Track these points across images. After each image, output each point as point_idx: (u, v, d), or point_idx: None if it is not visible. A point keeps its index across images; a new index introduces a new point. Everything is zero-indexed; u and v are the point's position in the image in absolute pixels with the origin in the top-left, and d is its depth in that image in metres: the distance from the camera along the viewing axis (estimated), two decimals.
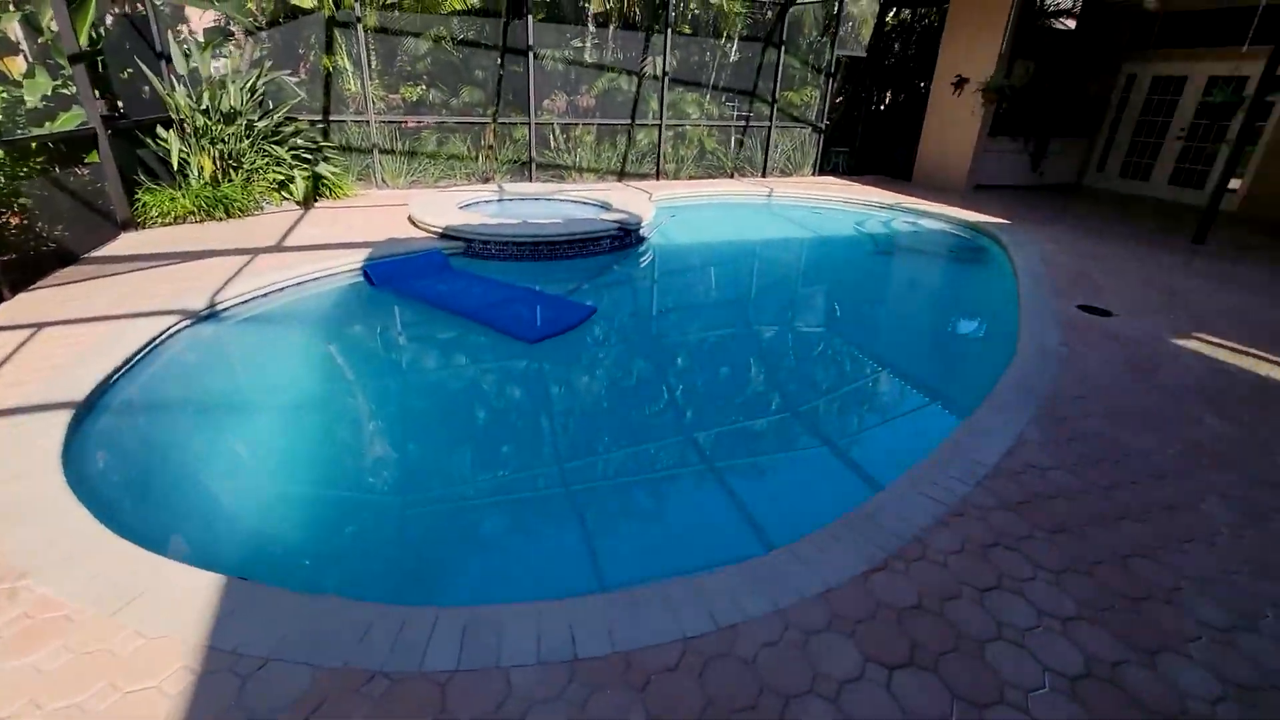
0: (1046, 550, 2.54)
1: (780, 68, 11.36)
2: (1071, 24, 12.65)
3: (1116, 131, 12.09)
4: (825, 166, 13.12)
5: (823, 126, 12.25)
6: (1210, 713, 1.92)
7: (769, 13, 11.11)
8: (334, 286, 5.71)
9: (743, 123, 11.67)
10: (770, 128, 11.80)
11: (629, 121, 10.72)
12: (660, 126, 10.88)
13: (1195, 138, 10.84)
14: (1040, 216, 9.36)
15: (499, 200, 8.75)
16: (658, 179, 11.20)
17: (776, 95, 11.57)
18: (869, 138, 13.37)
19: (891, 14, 12.64)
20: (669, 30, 10.23)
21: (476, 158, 10.07)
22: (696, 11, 10.71)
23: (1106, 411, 3.62)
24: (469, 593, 2.66)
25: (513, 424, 4.05)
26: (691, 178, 11.68)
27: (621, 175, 10.99)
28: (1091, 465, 3.11)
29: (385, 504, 3.17)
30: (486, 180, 10.13)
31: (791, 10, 11.14)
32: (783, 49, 11.23)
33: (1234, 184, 10.31)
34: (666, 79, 10.57)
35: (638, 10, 10.38)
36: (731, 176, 11.93)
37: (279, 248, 6.23)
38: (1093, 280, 6.18)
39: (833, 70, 11.81)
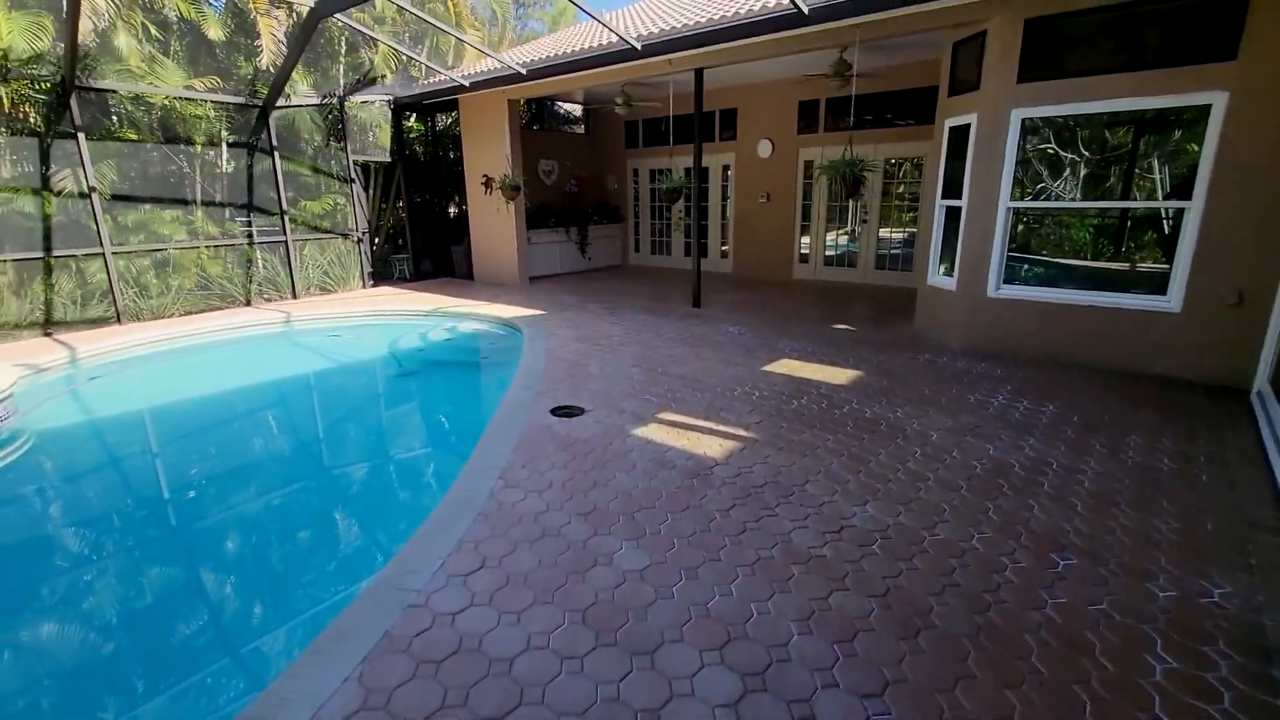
0: None
1: (279, 175, 9.79)
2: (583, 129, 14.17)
3: (639, 216, 13.68)
4: (384, 276, 11.92)
5: (359, 235, 11.02)
6: None
7: (251, 117, 9.51)
8: None
9: (243, 240, 9.65)
10: (287, 243, 10.04)
11: (41, 254, 7.73)
12: (105, 255, 8.17)
13: (691, 217, 12.75)
14: (575, 301, 9.52)
15: None
16: (120, 323, 8.36)
17: (285, 206, 9.93)
18: (429, 241, 12.72)
19: (414, 119, 12.33)
20: (81, 135, 7.75)
21: None
22: (135, 113, 8.48)
23: (508, 581, 2.67)
24: None
25: None
26: (189, 313, 9.12)
27: (49, 325, 7.85)
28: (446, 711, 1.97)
29: None
30: None
31: (279, 115, 9.76)
32: (275, 155, 9.71)
33: (729, 250, 12.32)
34: (96, 195, 7.99)
35: (30, 111, 7.68)
36: (249, 304, 9.73)
37: None
38: (585, 370, 5.87)
39: (350, 176, 10.75)
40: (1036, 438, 4.25)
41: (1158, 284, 5.61)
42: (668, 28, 7.56)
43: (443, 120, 12.65)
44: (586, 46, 8.51)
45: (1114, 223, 6.34)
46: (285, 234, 10.00)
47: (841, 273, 10.88)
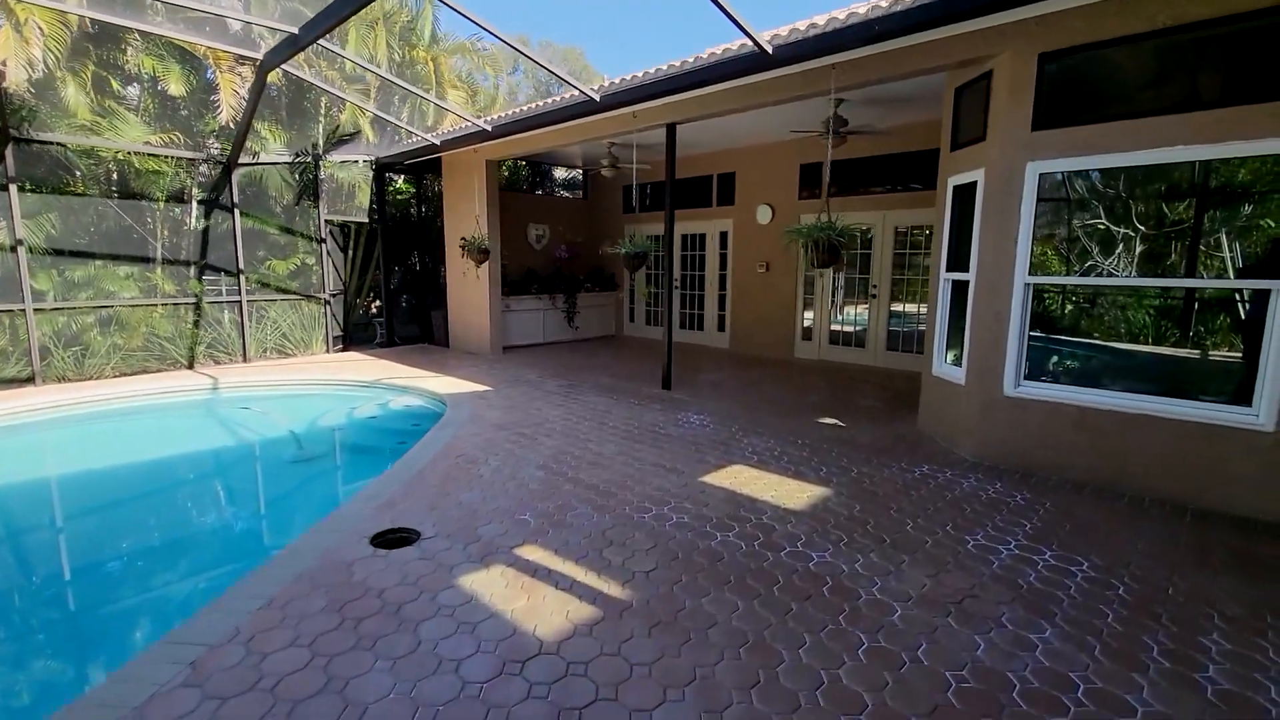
0: None
1: (238, 233, 9.27)
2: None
3: (634, 284, 12.73)
4: (361, 341, 11.22)
5: (326, 298, 10.37)
6: None
7: (215, 173, 9.12)
8: None
9: (192, 300, 9.04)
10: (241, 303, 9.42)
11: None
12: (27, 311, 7.59)
13: (686, 286, 11.73)
14: (535, 377, 8.45)
15: None
16: (35, 384, 7.68)
17: (240, 265, 9.36)
18: (415, 307, 12.07)
19: (401, 180, 11.91)
20: (13, 186, 7.33)
21: None
22: (86, 167, 8.10)
23: None
24: None
25: None
26: (123, 375, 8.44)
27: None
28: None
29: None
30: None
31: (246, 172, 9.35)
32: (235, 212, 9.22)
33: (726, 324, 11.13)
34: (24, 249, 7.49)
35: None
36: (191, 367, 9.03)
37: None
38: (474, 472, 4.68)
39: (320, 237, 10.21)
40: (1059, 625, 2.79)
41: (1239, 388, 4.14)
42: (628, 77, 6.75)
43: (434, 183, 12.22)
44: (552, 102, 7.80)
45: (1178, 304, 4.93)
46: (240, 294, 9.39)
47: (848, 353, 9.53)
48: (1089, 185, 4.77)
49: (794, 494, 4.31)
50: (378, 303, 11.68)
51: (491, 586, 3.02)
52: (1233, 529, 3.80)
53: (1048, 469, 4.74)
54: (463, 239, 10.18)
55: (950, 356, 5.64)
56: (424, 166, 11.21)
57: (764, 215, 10.19)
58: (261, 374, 8.62)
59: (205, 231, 9.14)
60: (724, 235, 10.91)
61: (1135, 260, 4.81)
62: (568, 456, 5.05)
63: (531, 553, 3.38)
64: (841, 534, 3.69)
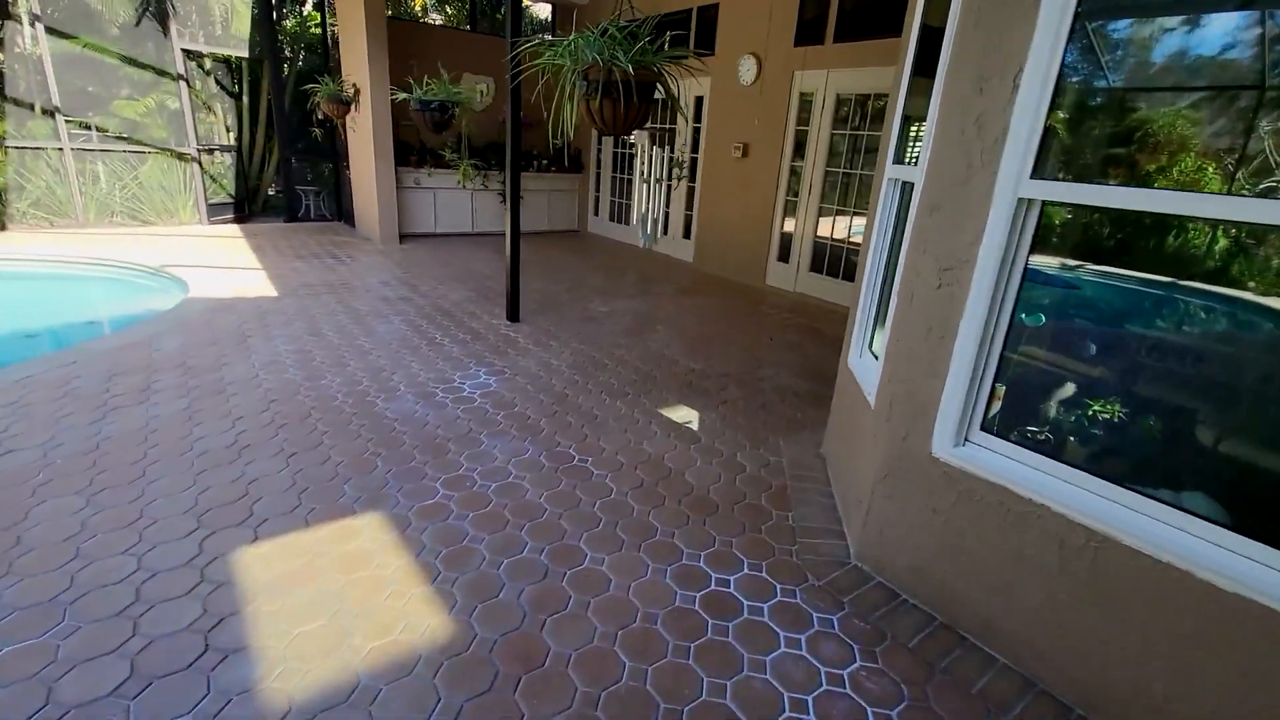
0: None
1: (48, 59, 7.26)
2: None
3: (600, 168, 9.90)
4: (263, 213, 9.42)
5: (192, 154, 8.39)
6: None
7: None
8: None
9: None
10: (64, 151, 7.61)
11: None
12: None
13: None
14: (376, 282, 6.25)
15: None
16: None
17: (56, 102, 7.44)
18: (339, 175, 9.96)
19: (310, 4, 9.38)
20: None
21: None
22: None
23: None
24: None
25: None
26: None
27: None
28: None
29: None
30: None
31: None
32: (37, 27, 7.16)
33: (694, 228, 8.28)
34: None
35: None
36: (3, 228, 7.48)
37: None
38: None
39: (180, 74, 8.05)
40: None
41: None
42: None
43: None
44: None
45: None
46: (62, 140, 7.56)
47: (832, 288, 6.59)
48: None
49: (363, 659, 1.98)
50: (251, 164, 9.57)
51: None
52: None
53: (976, 628, 2.11)
54: (354, 86, 7.76)
55: (874, 338, 2.88)
56: None
57: (747, 71, 6.97)
58: (46, 244, 6.91)
59: None
60: (700, 101, 7.78)
61: None
62: (119, 451, 2.91)
63: None
64: None
